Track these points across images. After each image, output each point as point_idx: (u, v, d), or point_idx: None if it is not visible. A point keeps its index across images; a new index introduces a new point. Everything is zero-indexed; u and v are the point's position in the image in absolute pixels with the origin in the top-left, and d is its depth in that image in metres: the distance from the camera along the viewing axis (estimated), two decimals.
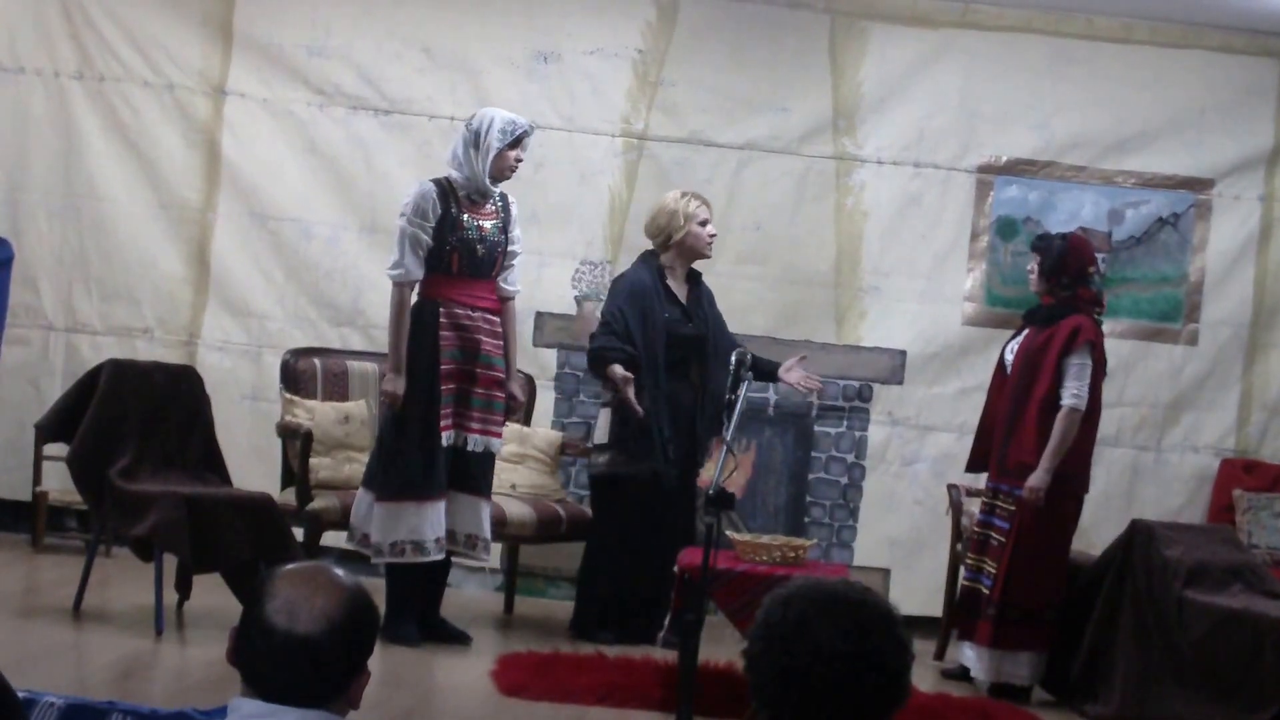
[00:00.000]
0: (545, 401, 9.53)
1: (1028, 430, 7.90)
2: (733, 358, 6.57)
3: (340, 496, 8.20)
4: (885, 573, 9.65)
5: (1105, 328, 9.57)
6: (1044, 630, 7.95)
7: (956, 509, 8.90)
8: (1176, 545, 7.68)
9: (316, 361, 8.83)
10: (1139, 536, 7.76)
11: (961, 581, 8.33)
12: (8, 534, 9.63)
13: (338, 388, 8.79)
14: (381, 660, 7.19)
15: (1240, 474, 9.49)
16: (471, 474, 7.96)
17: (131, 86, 9.70)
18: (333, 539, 8.27)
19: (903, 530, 9.68)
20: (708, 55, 9.72)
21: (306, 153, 9.72)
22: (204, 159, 9.71)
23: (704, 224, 8.48)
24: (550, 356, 9.68)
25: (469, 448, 7.91)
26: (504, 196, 8.04)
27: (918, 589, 9.41)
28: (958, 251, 9.73)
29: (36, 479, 9.33)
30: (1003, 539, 7.94)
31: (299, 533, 8.06)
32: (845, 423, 9.71)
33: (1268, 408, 9.71)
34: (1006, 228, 9.68)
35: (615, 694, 7.18)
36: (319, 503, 8.16)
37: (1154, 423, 9.72)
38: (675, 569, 7.28)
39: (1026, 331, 8.13)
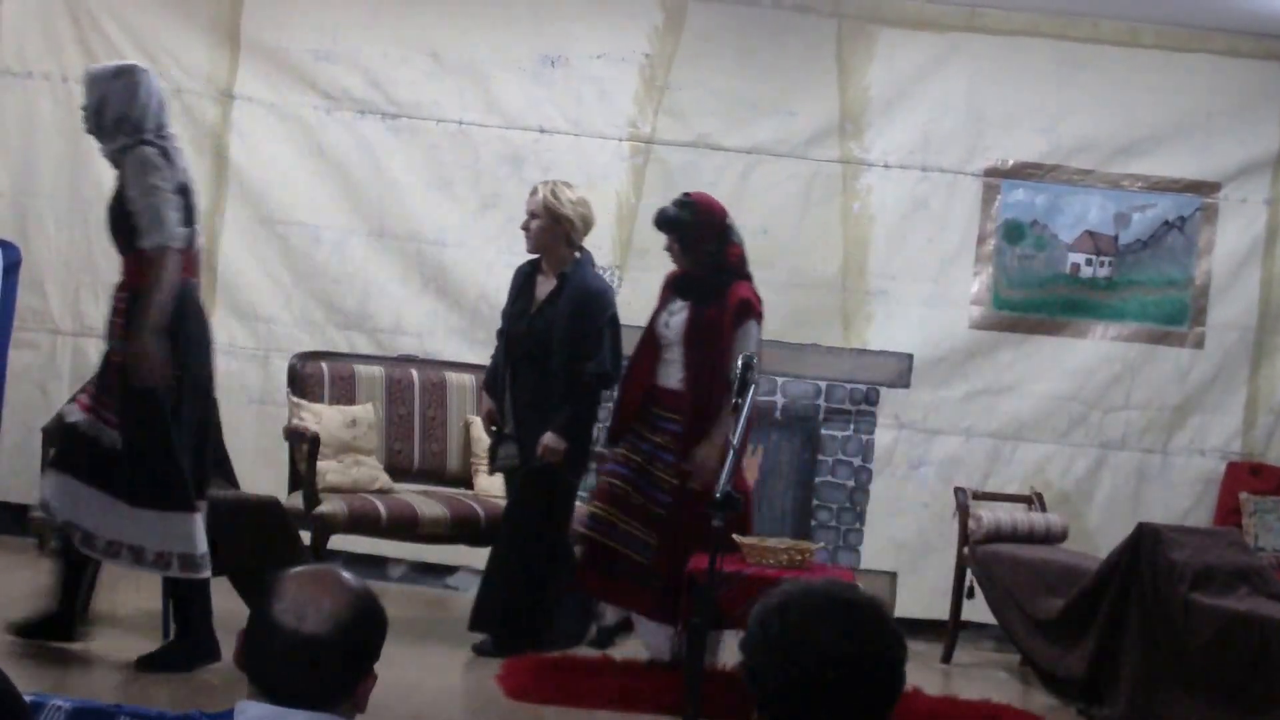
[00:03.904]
0: None
1: (714, 410, 7.53)
2: (739, 361, 6.53)
3: (348, 500, 8.21)
4: (892, 576, 9.65)
5: (1111, 331, 9.63)
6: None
7: (963, 512, 8.91)
8: (1183, 548, 7.68)
9: (324, 365, 8.85)
10: (1145, 539, 7.75)
11: (584, 530, 7.87)
12: (14, 538, 9.64)
13: (345, 392, 8.81)
14: (387, 664, 7.19)
15: (1247, 477, 9.49)
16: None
17: None
18: (340, 542, 8.29)
19: (909, 533, 9.68)
20: (714, 59, 9.73)
21: (314, 157, 9.73)
22: (211, 163, 9.72)
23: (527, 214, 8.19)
24: None
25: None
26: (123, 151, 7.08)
27: (924, 592, 9.43)
28: (964, 255, 9.73)
29: None
30: (662, 511, 7.64)
31: (306, 536, 8.07)
32: (852, 426, 9.72)
33: (1274, 410, 9.72)
34: (1013, 231, 9.68)
35: (621, 697, 7.20)
36: (326, 506, 8.17)
37: (1160, 426, 9.72)
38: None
39: (686, 306, 7.74)
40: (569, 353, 7.93)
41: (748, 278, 7.73)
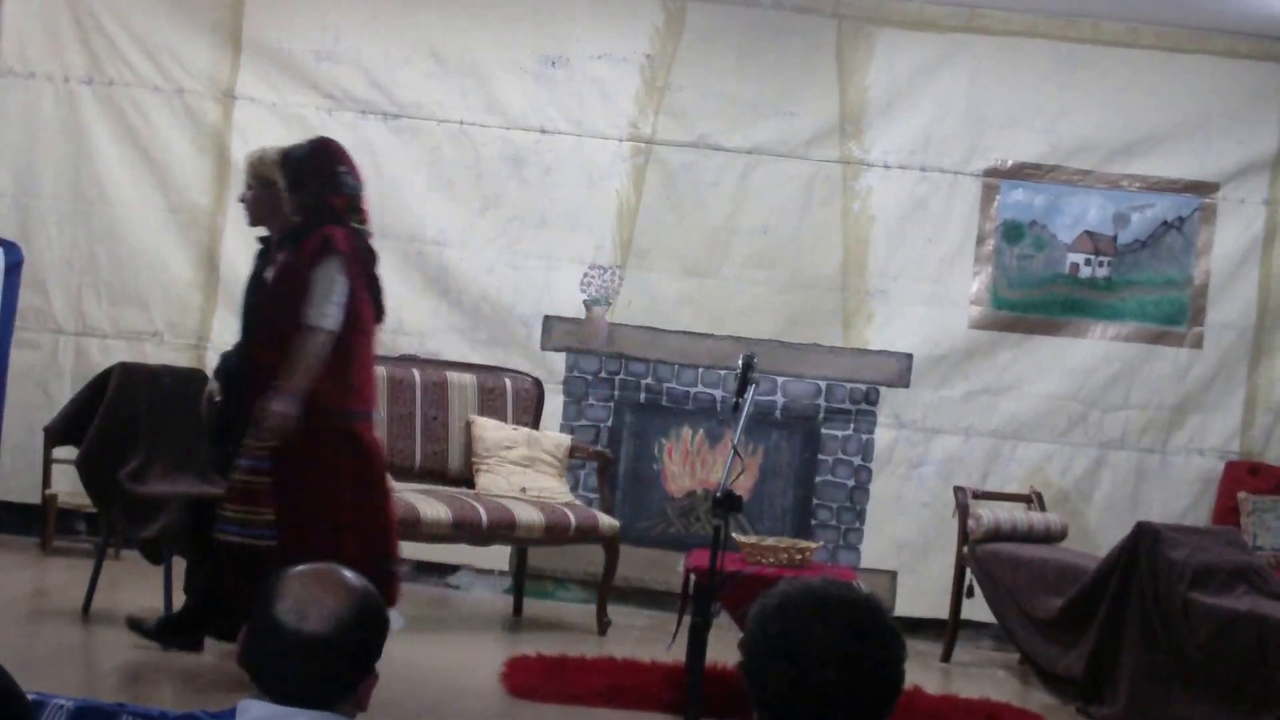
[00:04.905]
0: (554, 405, 9.56)
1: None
2: (740, 360, 6.54)
3: None
4: (892, 575, 9.67)
5: (1110, 331, 9.63)
6: None
7: (963, 511, 8.92)
8: (1182, 547, 7.69)
9: None
10: (1144, 539, 7.76)
11: (229, 539, 6.96)
12: (17, 537, 9.66)
13: None
14: (390, 662, 7.21)
15: (1245, 476, 9.50)
16: None
17: (141, 91, 9.74)
18: None
19: (909, 533, 9.70)
20: (715, 60, 9.75)
21: None
22: (213, 163, 9.75)
23: None
24: (559, 360, 9.71)
25: None
26: None
27: (924, 591, 9.45)
28: (964, 255, 9.75)
29: (46, 482, 9.36)
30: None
31: None
32: (852, 426, 9.74)
33: (1272, 410, 9.73)
34: (1013, 231, 9.70)
35: (624, 696, 7.21)
36: None
37: (1159, 425, 9.73)
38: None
39: (283, 254, 7.10)
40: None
41: (346, 226, 7.01)
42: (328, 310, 6.86)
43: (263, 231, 7.32)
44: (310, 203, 7.01)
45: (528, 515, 8.55)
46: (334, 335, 6.87)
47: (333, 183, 7.04)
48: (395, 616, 7.12)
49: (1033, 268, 9.72)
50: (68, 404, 8.29)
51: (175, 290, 9.76)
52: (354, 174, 7.15)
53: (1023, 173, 9.73)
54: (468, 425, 9.09)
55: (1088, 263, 9.68)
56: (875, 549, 9.72)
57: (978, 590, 8.81)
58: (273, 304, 7.00)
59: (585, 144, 9.78)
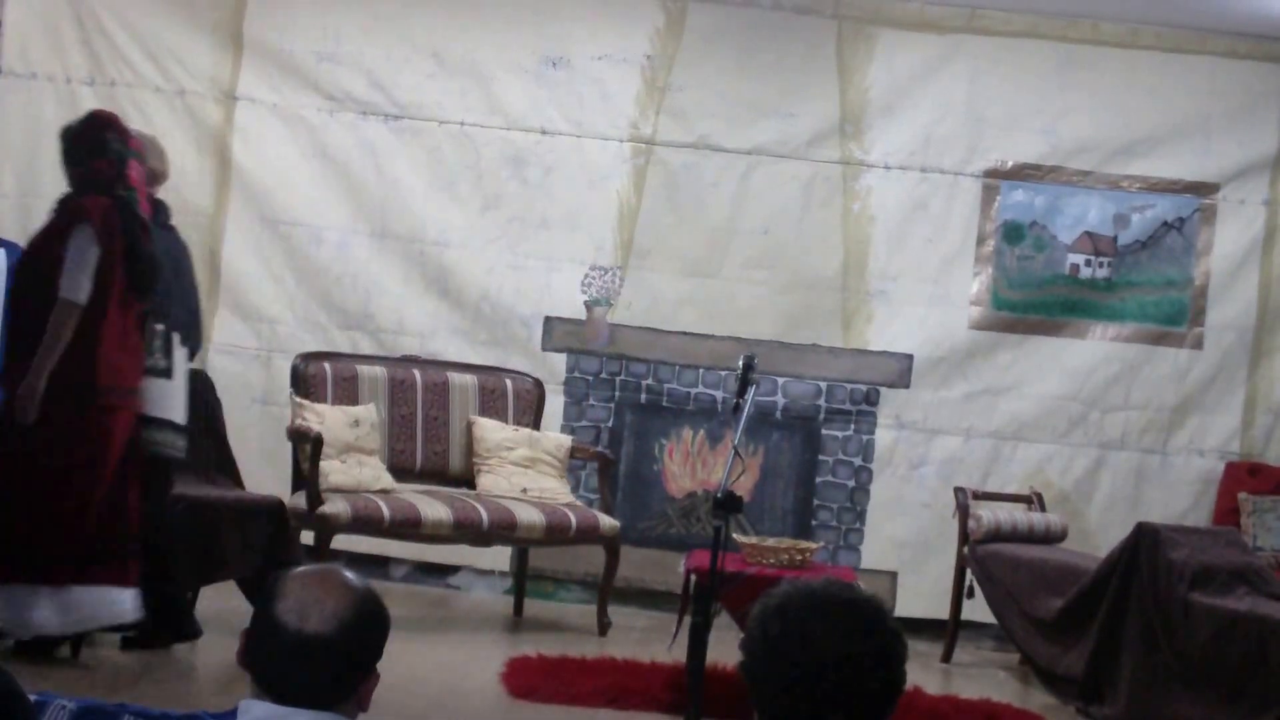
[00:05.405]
0: (554, 405, 9.56)
1: (38, 329, 6.83)
2: (740, 361, 6.54)
3: (351, 500, 8.23)
4: (892, 575, 9.67)
5: (1110, 331, 9.63)
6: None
7: (963, 512, 8.93)
8: (1182, 548, 7.69)
9: (326, 365, 8.87)
10: (1144, 539, 7.77)
11: None
12: None
13: (348, 392, 8.83)
14: (391, 663, 7.21)
15: (1245, 477, 9.50)
16: None
17: (143, 92, 9.74)
18: (343, 543, 8.30)
19: (910, 533, 9.70)
20: (715, 60, 9.75)
21: (317, 158, 9.75)
22: (215, 164, 9.75)
23: None
24: (559, 361, 9.72)
25: None
26: None
27: (925, 592, 9.45)
28: (964, 255, 9.75)
29: None
30: None
31: (309, 536, 8.09)
32: (852, 426, 9.74)
33: (1272, 411, 9.73)
34: (1013, 232, 9.70)
35: (624, 697, 7.22)
36: (329, 507, 8.18)
37: (1159, 426, 9.73)
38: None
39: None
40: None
41: (111, 194, 6.91)
42: (81, 282, 6.80)
43: None
44: (79, 170, 6.94)
45: (528, 516, 8.56)
46: (81, 308, 6.80)
47: (99, 149, 6.93)
48: (129, 597, 6.93)
49: (1033, 268, 9.73)
50: None
51: None
52: (124, 141, 7.03)
53: (1023, 173, 9.73)
54: (469, 426, 9.10)
55: (1088, 263, 9.69)
56: (876, 549, 9.72)
57: (978, 591, 8.81)
58: (23, 273, 7.04)
59: (586, 145, 9.78)
